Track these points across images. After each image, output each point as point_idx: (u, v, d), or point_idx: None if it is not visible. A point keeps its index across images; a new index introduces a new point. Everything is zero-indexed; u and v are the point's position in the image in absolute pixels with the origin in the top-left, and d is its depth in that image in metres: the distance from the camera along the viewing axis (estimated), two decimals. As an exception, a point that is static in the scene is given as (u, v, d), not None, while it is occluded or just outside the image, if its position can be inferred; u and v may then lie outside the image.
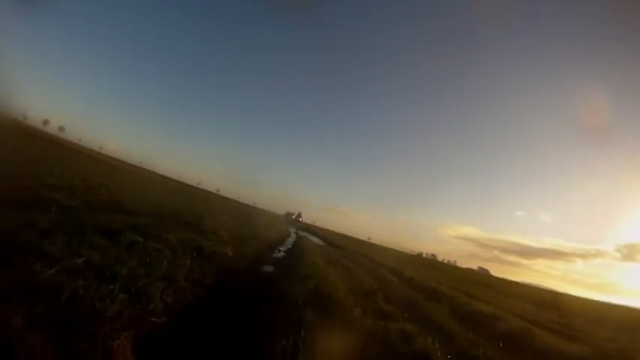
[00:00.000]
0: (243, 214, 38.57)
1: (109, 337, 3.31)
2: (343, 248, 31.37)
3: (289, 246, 18.93)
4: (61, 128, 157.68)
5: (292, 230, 43.36)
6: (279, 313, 4.84)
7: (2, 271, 3.63)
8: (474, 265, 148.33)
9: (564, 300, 27.03)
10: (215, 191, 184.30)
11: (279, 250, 15.33)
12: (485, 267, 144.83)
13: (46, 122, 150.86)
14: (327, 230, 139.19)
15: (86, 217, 7.25)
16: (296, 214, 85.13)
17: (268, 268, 9.85)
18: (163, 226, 8.83)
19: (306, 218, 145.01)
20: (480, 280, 43.66)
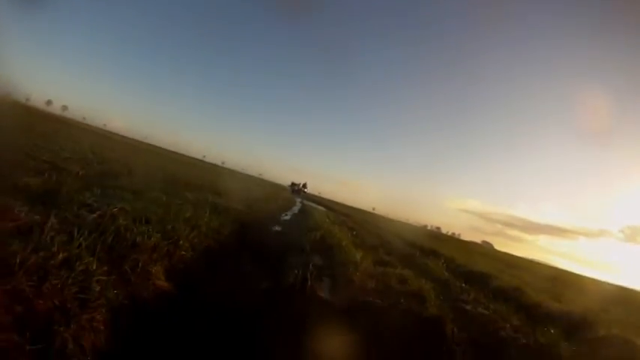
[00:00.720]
0: (250, 183, 39.49)
1: (147, 263, 3.98)
2: (347, 215, 32.29)
3: (295, 211, 19.74)
4: (64, 107, 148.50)
5: (298, 199, 44.37)
6: (289, 256, 5.50)
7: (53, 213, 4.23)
8: (477, 239, 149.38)
9: (562, 275, 27.46)
10: (221, 164, 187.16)
11: (287, 214, 16.09)
12: (489, 241, 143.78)
13: (49, 102, 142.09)
14: (332, 201, 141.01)
15: (107, 181, 7.82)
16: (301, 184, 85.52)
17: (277, 227, 10.56)
18: (179, 189, 9.47)
19: (311, 190, 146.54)
20: (482, 251, 44.74)
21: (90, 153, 14.81)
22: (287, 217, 14.72)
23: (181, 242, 4.51)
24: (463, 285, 8.20)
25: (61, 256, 3.01)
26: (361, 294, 4.27)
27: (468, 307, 5.47)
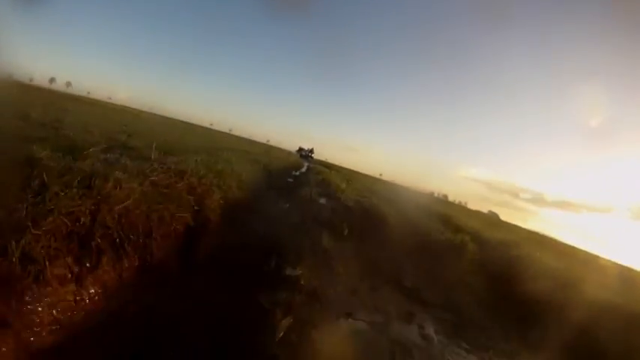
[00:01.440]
0: (259, 147, 42.57)
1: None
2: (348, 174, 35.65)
3: (303, 170, 22.95)
4: (68, 84, 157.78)
5: (306, 163, 47.46)
6: (301, 188, 8.69)
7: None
8: (484, 209, 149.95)
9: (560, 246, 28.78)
10: (228, 131, 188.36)
11: (297, 172, 19.31)
12: (495, 211, 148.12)
13: (52, 80, 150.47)
14: (340, 166, 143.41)
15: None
16: (307, 149, 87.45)
17: (290, 179, 13.73)
18: (209, 152, 12.47)
19: (318, 155, 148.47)
20: (483, 217, 47.64)
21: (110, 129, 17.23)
22: (297, 174, 17.91)
23: (238, 176, 7.68)
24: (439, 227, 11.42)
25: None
26: (343, 202, 7.47)
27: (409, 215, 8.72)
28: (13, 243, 2.21)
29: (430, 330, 3.86)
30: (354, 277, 4.49)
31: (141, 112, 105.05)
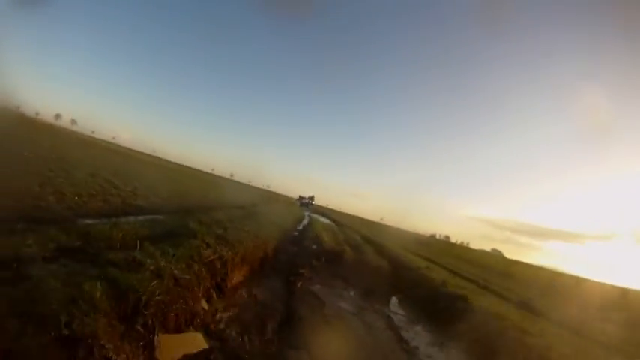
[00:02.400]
0: (266, 198, 50.51)
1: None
2: (343, 225, 42.67)
3: (305, 224, 30.34)
4: (73, 122, 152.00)
5: (306, 213, 54.81)
6: (303, 240, 15.98)
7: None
8: (487, 247, 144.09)
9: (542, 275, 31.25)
10: (230, 176, 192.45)
11: (299, 226, 26.75)
12: (499, 248, 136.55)
13: (57, 116, 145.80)
14: (339, 212, 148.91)
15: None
16: (307, 197, 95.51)
17: (295, 233, 21.08)
18: (227, 210, 19.94)
19: (320, 202, 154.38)
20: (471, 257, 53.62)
21: (134, 184, 21.38)
22: (300, 227, 25.34)
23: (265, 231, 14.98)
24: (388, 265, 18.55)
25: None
26: (324, 247, 14.71)
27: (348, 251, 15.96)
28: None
29: (352, 293, 10.83)
30: (325, 274, 11.58)
31: (145, 155, 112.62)
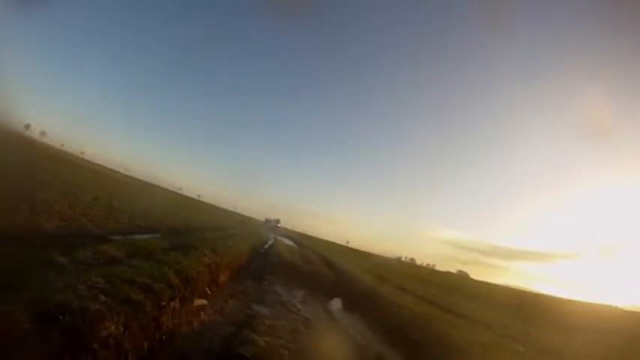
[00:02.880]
0: (235, 221, 53.77)
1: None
2: (303, 246, 47.12)
3: (270, 243, 34.47)
4: (42, 133, 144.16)
5: (271, 235, 58.54)
6: (268, 256, 20.31)
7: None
8: (453, 269, 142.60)
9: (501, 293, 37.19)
10: (197, 197, 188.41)
11: (266, 244, 30.85)
12: (465, 270, 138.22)
13: (27, 126, 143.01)
14: (304, 235, 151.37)
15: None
16: (273, 220, 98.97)
17: (262, 250, 25.19)
18: (210, 232, 23.81)
19: (286, 224, 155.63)
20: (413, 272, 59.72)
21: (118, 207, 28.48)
22: (266, 247, 29.51)
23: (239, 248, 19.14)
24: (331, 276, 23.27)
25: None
26: (285, 261, 19.17)
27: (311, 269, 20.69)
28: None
29: (301, 292, 15.27)
30: (283, 279, 16.01)
31: (114, 172, 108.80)
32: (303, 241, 67.62)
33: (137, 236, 14.19)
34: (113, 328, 4.39)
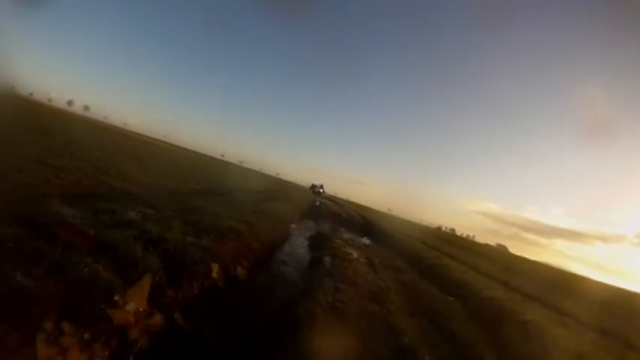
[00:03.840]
0: (286, 186, 64.10)
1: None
2: (345, 207, 55.62)
3: (318, 203, 43.53)
4: (86, 108, 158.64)
5: (318, 198, 67.80)
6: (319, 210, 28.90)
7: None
8: (492, 242, 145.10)
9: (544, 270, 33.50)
10: (239, 163, 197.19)
11: (317, 203, 39.87)
12: (505, 244, 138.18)
13: (70, 103, 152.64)
14: (347, 200, 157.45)
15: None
16: (318, 185, 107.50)
17: (315, 206, 33.94)
18: (273, 191, 32.71)
19: (329, 190, 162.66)
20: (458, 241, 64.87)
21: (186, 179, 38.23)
22: (317, 204, 38.45)
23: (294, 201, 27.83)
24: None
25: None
26: (333, 213, 27.51)
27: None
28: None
29: (343, 229, 23.50)
30: (330, 220, 24.42)
31: (158, 141, 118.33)
32: (345, 204, 76.39)
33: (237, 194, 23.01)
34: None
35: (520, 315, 8.33)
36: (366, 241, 19.51)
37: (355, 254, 11.73)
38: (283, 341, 4.21)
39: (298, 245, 13.10)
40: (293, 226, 17.45)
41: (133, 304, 3.65)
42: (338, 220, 25.91)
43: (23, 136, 12.94)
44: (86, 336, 2.99)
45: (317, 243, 13.10)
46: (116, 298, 3.50)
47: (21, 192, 5.92)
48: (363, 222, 29.79)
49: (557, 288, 17.64)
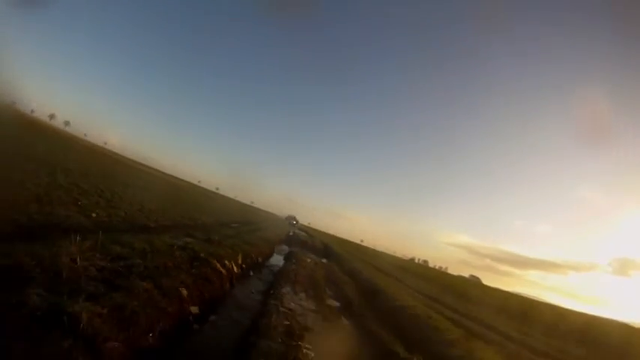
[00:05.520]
0: (261, 215, 73.10)
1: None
2: (314, 237, 65.28)
3: (292, 232, 53.04)
4: (67, 123, 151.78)
5: (292, 229, 77.00)
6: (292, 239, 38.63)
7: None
8: (465, 273, 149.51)
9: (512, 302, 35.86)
10: (215, 189, 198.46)
11: (290, 233, 49.35)
12: (478, 275, 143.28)
13: (52, 116, 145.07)
14: (318, 230, 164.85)
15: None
16: (292, 217, 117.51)
17: (289, 235, 43.44)
18: (254, 223, 42.10)
19: (303, 220, 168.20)
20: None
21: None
22: (291, 234, 48.00)
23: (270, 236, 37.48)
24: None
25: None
26: (302, 241, 37.32)
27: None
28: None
29: (311, 254, 33.29)
30: (301, 248, 34.23)
31: (143, 166, 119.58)
32: (315, 234, 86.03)
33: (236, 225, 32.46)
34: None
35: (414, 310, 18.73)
36: (319, 259, 29.50)
37: (309, 261, 21.79)
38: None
39: (279, 256, 22.92)
40: (276, 247, 27.20)
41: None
42: (305, 246, 35.76)
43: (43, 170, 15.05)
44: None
45: (289, 256, 23.01)
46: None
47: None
48: (323, 248, 39.87)
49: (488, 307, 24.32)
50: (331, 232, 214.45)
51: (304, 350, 6.04)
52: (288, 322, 7.67)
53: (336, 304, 12.41)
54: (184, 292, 6.81)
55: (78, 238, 5.83)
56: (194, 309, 6.91)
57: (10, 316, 3.56)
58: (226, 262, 10.60)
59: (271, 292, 11.05)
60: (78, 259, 5.43)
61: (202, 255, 9.70)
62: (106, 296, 4.85)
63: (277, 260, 21.17)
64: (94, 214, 10.29)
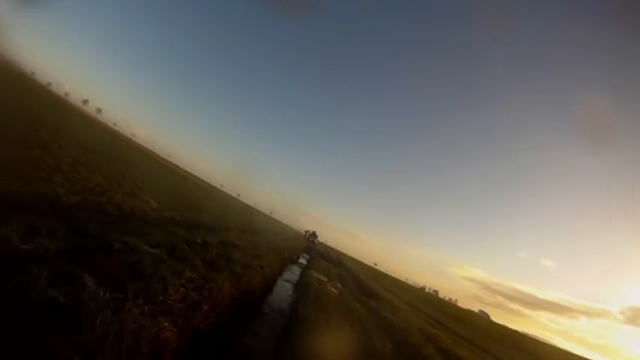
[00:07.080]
0: (280, 226, 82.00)
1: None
2: (330, 254, 72.87)
3: (310, 245, 61.35)
4: (99, 110, 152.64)
5: (310, 243, 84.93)
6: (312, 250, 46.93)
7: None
8: (475, 308, 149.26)
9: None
10: (236, 196, 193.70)
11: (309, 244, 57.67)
12: (488, 312, 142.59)
13: (85, 102, 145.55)
14: (334, 249, 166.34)
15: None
16: (311, 232, 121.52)
17: (309, 244, 51.63)
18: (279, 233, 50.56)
19: (320, 237, 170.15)
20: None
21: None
22: (310, 245, 56.30)
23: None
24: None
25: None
26: (320, 254, 45.50)
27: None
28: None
29: (326, 262, 41.35)
30: (319, 257, 42.42)
31: (164, 160, 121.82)
32: (331, 252, 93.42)
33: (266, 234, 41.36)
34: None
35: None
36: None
37: (324, 264, 30.21)
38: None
39: (303, 259, 31.46)
40: (301, 254, 35.73)
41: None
42: (323, 258, 43.99)
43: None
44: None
45: (310, 261, 31.50)
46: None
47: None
48: (336, 259, 47.94)
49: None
50: (346, 251, 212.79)
51: (328, 289, 14.50)
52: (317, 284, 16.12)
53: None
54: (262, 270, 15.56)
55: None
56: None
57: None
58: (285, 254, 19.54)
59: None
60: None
61: (273, 246, 18.46)
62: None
63: (303, 260, 29.68)
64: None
